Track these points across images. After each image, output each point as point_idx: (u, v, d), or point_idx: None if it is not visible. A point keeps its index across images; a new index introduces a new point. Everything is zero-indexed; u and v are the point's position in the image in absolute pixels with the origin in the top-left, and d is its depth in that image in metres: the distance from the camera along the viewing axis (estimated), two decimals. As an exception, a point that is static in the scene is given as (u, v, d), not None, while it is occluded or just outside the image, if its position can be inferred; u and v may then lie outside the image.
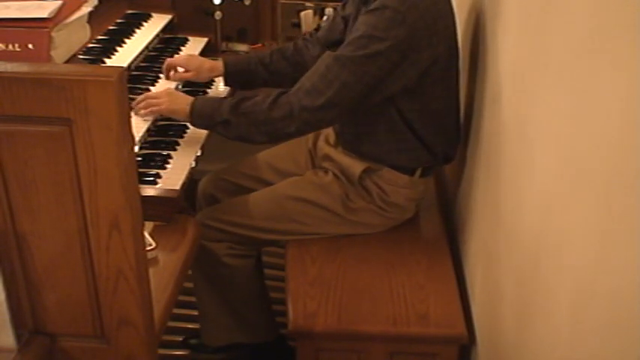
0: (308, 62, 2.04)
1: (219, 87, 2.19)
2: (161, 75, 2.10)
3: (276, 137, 1.75)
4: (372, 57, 1.62)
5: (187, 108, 1.78)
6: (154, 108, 1.83)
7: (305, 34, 2.25)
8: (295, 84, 1.72)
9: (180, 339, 2.24)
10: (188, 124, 1.94)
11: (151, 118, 1.86)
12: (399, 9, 1.61)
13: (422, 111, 1.77)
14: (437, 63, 1.70)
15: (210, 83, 2.18)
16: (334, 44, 2.01)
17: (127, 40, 2.19)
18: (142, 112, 1.84)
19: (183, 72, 2.08)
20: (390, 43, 1.61)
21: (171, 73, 2.08)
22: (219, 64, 2.08)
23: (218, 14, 2.45)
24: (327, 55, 1.69)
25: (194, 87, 2.14)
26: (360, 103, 1.69)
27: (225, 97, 1.83)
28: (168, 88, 1.95)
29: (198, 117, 1.78)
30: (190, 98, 1.81)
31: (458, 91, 1.85)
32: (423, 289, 1.75)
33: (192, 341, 2.21)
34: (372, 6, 1.65)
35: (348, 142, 1.90)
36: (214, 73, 2.08)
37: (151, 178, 1.68)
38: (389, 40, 1.61)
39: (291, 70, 2.06)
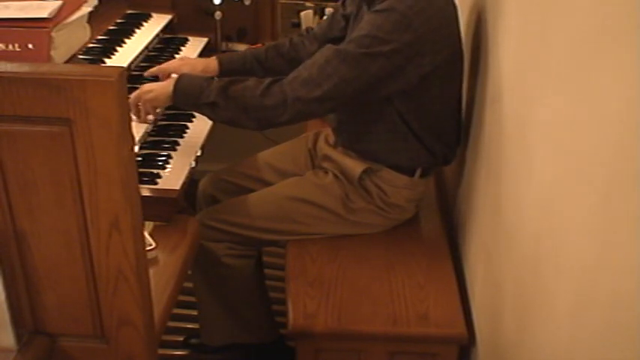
0: (304, 58, 2.02)
1: None
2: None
3: (266, 124, 1.73)
4: (374, 56, 1.62)
5: (169, 87, 1.74)
6: (141, 107, 1.79)
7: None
8: None
9: (181, 339, 2.24)
10: (188, 124, 1.94)
11: (151, 118, 1.84)
12: (407, 13, 1.60)
13: (420, 112, 1.77)
14: (439, 67, 1.69)
15: None
16: (332, 41, 2.00)
17: (127, 40, 2.19)
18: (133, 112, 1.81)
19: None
20: (394, 46, 1.61)
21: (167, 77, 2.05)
22: (213, 63, 2.04)
23: (218, 14, 2.45)
24: (328, 48, 1.68)
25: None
26: (355, 99, 1.69)
27: (212, 78, 1.80)
28: (142, 87, 1.88)
29: (182, 95, 1.74)
30: (170, 81, 1.77)
31: (460, 94, 1.85)
32: (423, 289, 1.75)
33: (193, 341, 2.21)
34: (379, 6, 1.64)
35: (347, 141, 1.90)
36: (208, 74, 2.02)
37: (151, 178, 1.68)
38: (393, 43, 1.61)
39: (287, 67, 2.04)
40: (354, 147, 1.87)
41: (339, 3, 2.04)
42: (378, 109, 1.77)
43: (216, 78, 2.05)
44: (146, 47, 2.22)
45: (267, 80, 1.69)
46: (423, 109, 1.77)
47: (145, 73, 2.03)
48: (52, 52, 1.77)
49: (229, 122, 1.73)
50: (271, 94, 1.67)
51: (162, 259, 1.50)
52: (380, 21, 1.62)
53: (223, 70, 2.04)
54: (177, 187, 1.67)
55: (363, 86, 1.65)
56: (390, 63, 1.63)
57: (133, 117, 1.81)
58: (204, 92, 1.71)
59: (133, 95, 1.82)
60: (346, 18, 1.96)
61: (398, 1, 1.61)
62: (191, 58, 2.14)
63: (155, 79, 2.03)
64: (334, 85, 1.64)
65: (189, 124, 1.96)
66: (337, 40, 1.98)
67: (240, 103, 1.69)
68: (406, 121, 1.77)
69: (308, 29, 2.14)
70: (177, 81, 1.75)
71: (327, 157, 1.95)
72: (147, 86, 1.83)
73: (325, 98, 1.65)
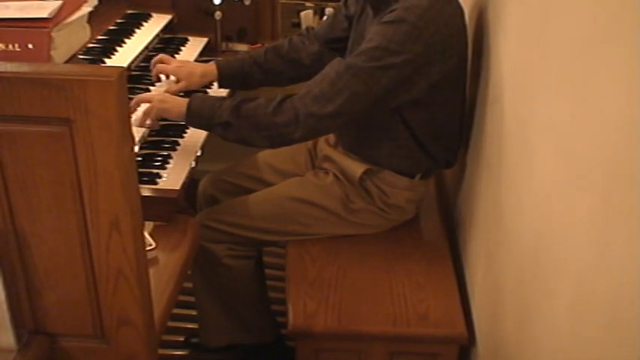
0: (304, 59, 2.02)
1: (219, 90, 2.16)
2: (162, 76, 2.08)
3: (279, 142, 1.71)
4: (385, 69, 1.60)
5: (183, 106, 1.74)
6: (146, 109, 1.78)
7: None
8: (291, 82, 1.70)
9: (181, 339, 2.24)
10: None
11: (149, 123, 1.83)
12: (417, 24, 1.59)
13: (426, 120, 1.76)
14: (447, 76, 1.69)
15: (208, 85, 2.15)
16: (334, 41, 2.00)
17: (127, 40, 2.19)
18: (137, 116, 1.80)
19: (175, 82, 2.02)
20: (405, 58, 1.59)
21: (163, 78, 2.03)
22: (211, 68, 2.02)
23: (218, 14, 2.45)
24: (338, 62, 1.65)
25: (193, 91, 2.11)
26: (367, 112, 1.67)
27: (224, 97, 1.80)
28: (159, 93, 1.91)
29: (195, 116, 1.73)
30: (184, 99, 1.77)
31: (464, 99, 1.85)
32: (423, 289, 1.75)
33: (194, 340, 2.21)
34: (389, 17, 1.62)
35: (348, 144, 1.89)
36: (207, 78, 2.03)
37: (151, 178, 1.68)
38: (404, 54, 1.59)
39: (287, 68, 2.03)
40: (355, 150, 1.87)
41: (341, 3, 2.03)
42: (382, 116, 1.75)
43: (215, 84, 2.07)
44: (146, 47, 2.22)
45: (279, 97, 1.67)
46: (430, 117, 1.76)
47: (154, 77, 2.03)
48: (52, 52, 1.77)
49: (242, 141, 1.72)
50: (283, 111, 1.65)
51: (162, 259, 1.50)
52: (390, 32, 1.60)
53: (222, 75, 2.03)
54: (177, 187, 1.67)
55: (374, 99, 1.63)
56: (401, 74, 1.61)
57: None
58: (217, 113, 1.69)
59: (143, 95, 1.81)
60: (349, 19, 1.96)
61: (407, 12, 1.59)
62: (190, 62, 2.12)
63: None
64: (346, 100, 1.61)
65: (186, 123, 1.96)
66: (339, 40, 1.98)
67: (252, 122, 1.67)
68: (410, 128, 1.76)
69: (308, 29, 2.12)
70: (190, 102, 1.74)
71: (327, 158, 1.95)
72: (162, 95, 1.83)
73: (338, 113, 1.63)
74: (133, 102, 1.82)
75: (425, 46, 1.60)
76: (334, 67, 1.65)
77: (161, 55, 2.07)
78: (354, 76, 1.61)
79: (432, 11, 1.61)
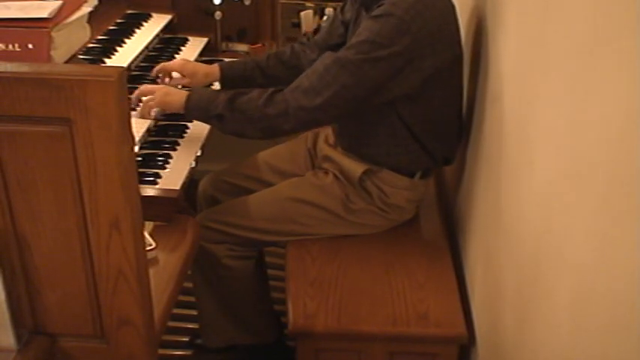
0: (305, 66, 2.03)
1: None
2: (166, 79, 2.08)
3: (271, 134, 1.75)
4: (374, 62, 1.62)
5: (183, 99, 1.78)
6: (150, 102, 1.82)
7: (305, 34, 2.24)
8: None
9: (182, 339, 2.23)
10: (188, 124, 1.94)
11: (152, 115, 1.85)
12: (404, 18, 1.60)
13: (423, 116, 1.77)
14: (440, 70, 1.69)
15: (210, 85, 2.16)
16: (333, 48, 2.00)
17: (127, 40, 2.19)
18: (139, 110, 1.83)
19: (179, 77, 2.04)
20: (393, 50, 1.61)
21: (167, 79, 2.05)
22: (214, 69, 2.06)
23: (218, 14, 2.45)
24: (328, 56, 1.68)
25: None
26: (358, 106, 1.69)
27: (221, 90, 1.82)
28: (163, 86, 1.95)
29: (193, 109, 1.78)
30: (185, 92, 1.81)
31: (461, 95, 1.85)
32: (423, 289, 1.76)
33: (198, 341, 2.20)
34: (377, 12, 1.64)
35: (347, 143, 1.90)
36: (209, 78, 2.06)
37: (151, 178, 1.69)
38: (392, 47, 1.61)
39: (288, 74, 2.04)
40: (354, 149, 1.87)
41: (338, 9, 2.04)
42: (379, 113, 1.76)
43: (217, 84, 2.09)
44: (146, 47, 2.22)
45: (270, 90, 1.71)
46: (426, 113, 1.77)
47: (152, 73, 2.05)
48: (52, 52, 1.77)
49: (236, 133, 1.76)
50: (273, 103, 1.68)
51: (162, 259, 1.50)
52: (378, 26, 1.62)
53: (224, 77, 2.05)
54: (177, 187, 1.67)
55: (364, 92, 1.65)
56: (390, 66, 1.63)
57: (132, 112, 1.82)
58: (212, 105, 1.74)
59: (146, 87, 1.85)
60: (345, 24, 1.97)
61: (395, 6, 1.62)
62: (193, 62, 2.14)
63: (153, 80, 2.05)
64: (335, 93, 1.64)
65: (189, 124, 1.96)
66: (337, 46, 1.98)
67: (245, 115, 1.71)
68: (407, 125, 1.77)
69: (309, 36, 2.14)
70: (190, 94, 1.79)
71: (327, 158, 1.95)
72: (166, 88, 1.87)
73: (327, 106, 1.65)
74: (136, 93, 1.86)
75: (412, 39, 1.62)
76: (324, 60, 1.68)
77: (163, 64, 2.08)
78: (342, 68, 1.63)
79: (419, 5, 1.63)
